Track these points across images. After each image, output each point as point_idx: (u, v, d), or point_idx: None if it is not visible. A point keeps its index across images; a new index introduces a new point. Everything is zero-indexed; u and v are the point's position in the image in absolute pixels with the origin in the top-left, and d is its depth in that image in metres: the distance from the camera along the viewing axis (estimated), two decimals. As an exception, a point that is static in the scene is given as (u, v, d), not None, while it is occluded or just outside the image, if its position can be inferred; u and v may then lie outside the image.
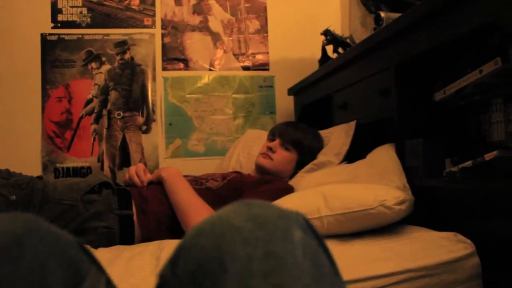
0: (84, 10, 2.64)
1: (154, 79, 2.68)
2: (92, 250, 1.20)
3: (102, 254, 1.14)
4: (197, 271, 0.45)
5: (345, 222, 1.15)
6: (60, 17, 2.62)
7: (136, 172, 1.63)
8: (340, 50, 2.24)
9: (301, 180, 1.70)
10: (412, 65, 1.44)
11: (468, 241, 1.04)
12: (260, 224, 0.47)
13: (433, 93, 1.40)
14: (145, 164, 2.56)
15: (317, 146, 1.90)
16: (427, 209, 1.25)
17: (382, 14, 1.62)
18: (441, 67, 1.41)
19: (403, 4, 1.62)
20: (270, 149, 1.86)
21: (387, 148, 1.50)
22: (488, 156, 1.12)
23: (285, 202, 1.31)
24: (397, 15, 1.50)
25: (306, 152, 1.87)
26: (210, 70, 2.75)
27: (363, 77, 1.73)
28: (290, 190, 1.60)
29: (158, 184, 1.57)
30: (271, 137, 1.94)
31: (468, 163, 1.19)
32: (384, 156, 1.46)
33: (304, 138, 1.88)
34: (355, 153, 1.71)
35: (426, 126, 1.42)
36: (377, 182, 1.31)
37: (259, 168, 1.87)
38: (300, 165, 1.86)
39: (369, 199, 1.13)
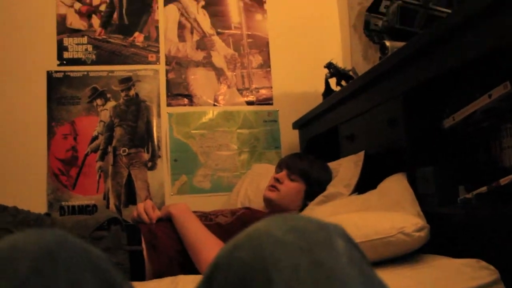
0: (90, 47, 2.69)
1: (159, 115, 2.69)
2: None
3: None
4: (239, 285, 0.44)
5: (364, 251, 1.12)
6: (66, 55, 2.66)
7: (145, 209, 1.61)
8: (343, 82, 2.26)
9: (312, 212, 1.67)
10: (419, 93, 1.44)
11: (492, 267, 1.01)
12: (300, 234, 0.46)
13: (442, 120, 1.40)
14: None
15: (325, 176, 1.88)
16: (443, 237, 1.23)
17: (387, 43, 1.64)
18: (449, 93, 1.41)
19: (405, 33, 1.64)
20: (277, 180, 1.84)
21: (398, 177, 1.48)
22: (504, 181, 1.11)
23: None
24: (401, 44, 1.51)
25: (314, 183, 1.84)
26: (214, 105, 2.77)
27: (369, 107, 1.73)
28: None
29: (167, 220, 1.55)
30: (278, 169, 1.93)
31: (483, 188, 1.18)
32: (395, 185, 1.44)
33: (310, 168, 1.86)
34: (365, 184, 1.69)
35: (436, 154, 1.41)
36: (391, 211, 1.29)
37: (267, 201, 1.85)
38: (308, 196, 1.84)
39: (387, 226, 1.11)
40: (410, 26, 1.66)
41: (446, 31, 1.21)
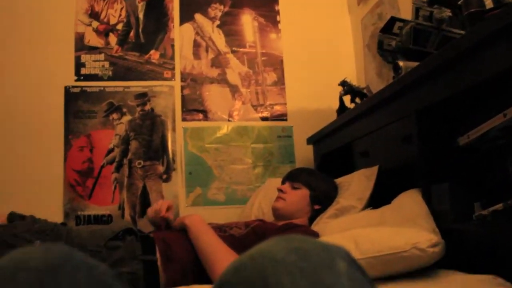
0: (106, 64, 2.74)
1: (174, 129, 2.72)
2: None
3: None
4: None
5: (377, 265, 1.12)
6: (83, 71, 2.71)
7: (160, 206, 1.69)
8: (357, 100, 2.28)
9: (326, 226, 1.68)
10: (433, 111, 1.45)
11: (508, 284, 1.01)
12: (302, 256, 0.46)
13: (457, 137, 1.40)
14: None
15: (326, 182, 1.97)
16: (458, 253, 1.22)
17: (401, 63, 1.65)
18: (464, 111, 1.42)
19: (419, 53, 1.65)
20: (281, 191, 1.95)
21: (413, 193, 1.48)
22: (520, 198, 1.11)
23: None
24: (414, 64, 1.53)
25: (316, 187, 1.93)
26: (229, 120, 2.80)
27: (384, 124, 1.74)
28: (315, 235, 1.59)
29: (182, 231, 1.57)
30: (282, 183, 2.04)
31: (499, 205, 1.18)
32: (410, 201, 1.44)
33: (310, 175, 1.98)
34: (379, 199, 1.70)
35: (451, 170, 1.41)
36: (405, 227, 1.29)
37: (274, 211, 1.93)
38: (314, 200, 1.90)
39: (401, 241, 1.11)
40: (424, 46, 1.67)
41: (460, 52, 1.22)
